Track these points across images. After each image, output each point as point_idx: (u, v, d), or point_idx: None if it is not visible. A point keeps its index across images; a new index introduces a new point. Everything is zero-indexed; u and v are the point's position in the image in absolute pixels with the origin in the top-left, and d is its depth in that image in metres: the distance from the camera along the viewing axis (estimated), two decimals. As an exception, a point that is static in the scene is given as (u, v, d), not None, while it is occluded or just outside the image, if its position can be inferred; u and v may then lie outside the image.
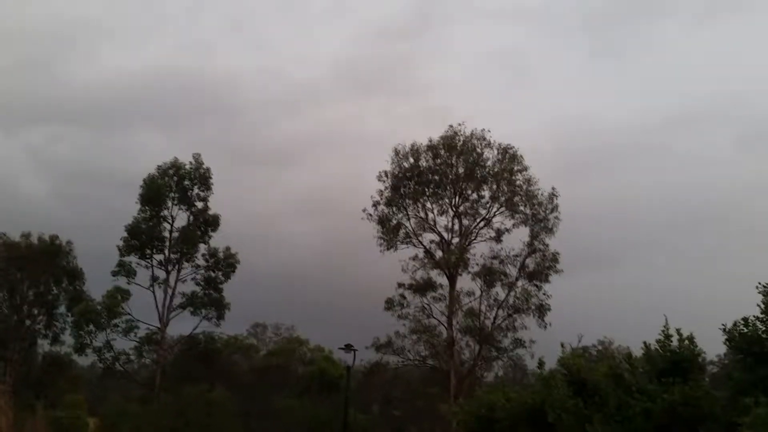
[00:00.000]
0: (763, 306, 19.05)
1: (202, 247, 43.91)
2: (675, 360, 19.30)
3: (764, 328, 19.02)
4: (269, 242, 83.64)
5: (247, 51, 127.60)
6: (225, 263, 43.69)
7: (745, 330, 18.97)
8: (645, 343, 20.15)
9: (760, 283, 19.11)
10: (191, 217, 43.88)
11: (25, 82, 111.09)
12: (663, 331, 19.66)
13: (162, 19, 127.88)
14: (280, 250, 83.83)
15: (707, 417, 18.40)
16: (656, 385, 19.18)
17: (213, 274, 43.68)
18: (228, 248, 43.94)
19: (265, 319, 69.05)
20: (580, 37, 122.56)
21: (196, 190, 43.99)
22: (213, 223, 43.96)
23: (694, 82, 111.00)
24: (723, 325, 19.01)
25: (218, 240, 44.31)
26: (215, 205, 44.53)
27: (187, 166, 43.85)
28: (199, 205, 44.04)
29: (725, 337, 18.81)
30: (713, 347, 22.25)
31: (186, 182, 43.78)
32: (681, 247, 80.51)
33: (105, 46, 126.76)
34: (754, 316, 19.11)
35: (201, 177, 43.96)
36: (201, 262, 43.82)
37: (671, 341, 19.58)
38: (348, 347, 39.33)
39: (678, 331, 19.58)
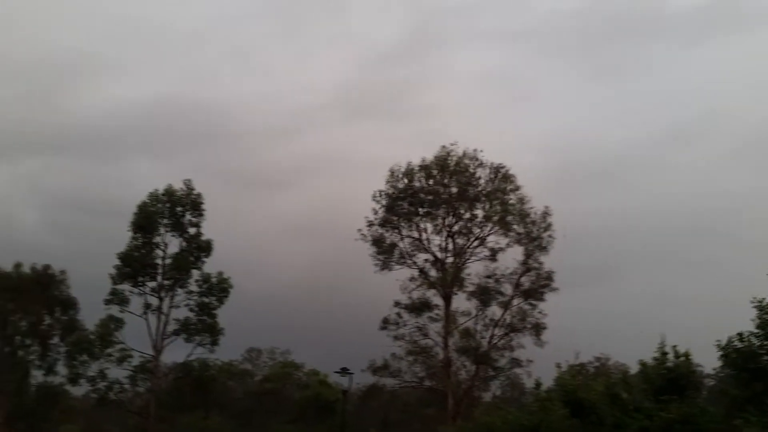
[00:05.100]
0: (757, 320, 19.03)
1: (195, 273, 43.50)
2: (671, 377, 19.23)
3: (759, 344, 18.98)
4: (263, 266, 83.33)
5: (244, 78, 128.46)
6: (218, 288, 43.25)
7: (740, 345, 18.93)
8: (641, 361, 20.08)
9: (755, 298, 19.11)
10: (184, 243, 43.62)
11: (21, 112, 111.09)
12: (659, 348, 19.60)
13: (162, 48, 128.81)
14: (274, 274, 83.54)
15: (704, 435, 18.30)
16: (653, 403, 19.08)
17: (206, 300, 43.24)
18: (221, 273, 43.59)
19: (260, 344, 68.68)
20: (576, 57, 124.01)
21: (188, 216, 43.76)
22: (206, 248, 43.66)
23: (686, 99, 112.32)
24: (718, 341, 18.97)
25: (211, 265, 44.02)
26: (208, 231, 44.35)
27: (179, 193, 43.68)
28: (192, 231, 43.81)
29: (720, 353, 18.76)
30: (711, 360, 22.14)
31: (178, 208, 43.58)
32: (678, 259, 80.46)
33: (104, 76, 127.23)
34: (749, 331, 19.07)
35: (193, 203, 43.74)
36: (194, 287, 43.32)
37: (667, 358, 19.50)
38: (344, 371, 38.94)
39: (674, 348, 19.51)
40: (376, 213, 42.36)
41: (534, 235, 40.76)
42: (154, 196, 43.40)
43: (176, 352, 43.47)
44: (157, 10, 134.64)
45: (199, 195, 43.94)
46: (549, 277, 40.37)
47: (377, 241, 42.25)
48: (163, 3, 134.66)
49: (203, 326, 42.82)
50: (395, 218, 42.31)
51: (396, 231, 42.47)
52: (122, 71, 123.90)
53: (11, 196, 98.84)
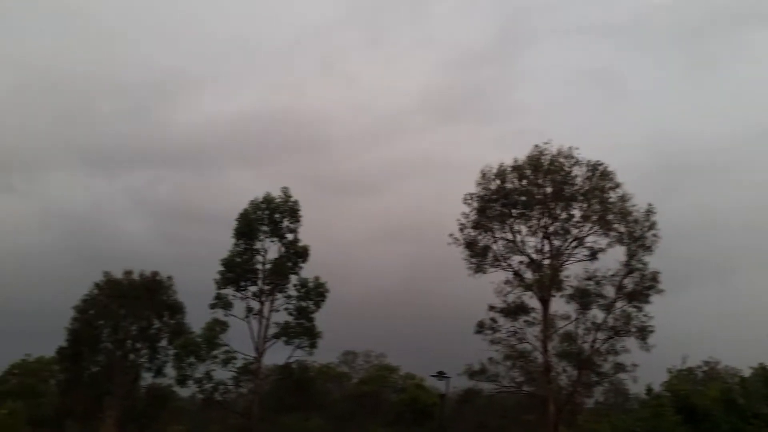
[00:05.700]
0: None
1: (293, 278, 44.57)
2: (796, 383, 17.94)
3: None
4: (358, 270, 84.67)
5: (333, 86, 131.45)
6: (315, 293, 44.15)
7: None
8: (761, 364, 18.88)
9: None
10: (282, 249, 44.77)
11: (127, 128, 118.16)
12: (780, 351, 18.36)
13: (255, 63, 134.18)
14: (368, 278, 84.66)
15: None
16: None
17: (304, 304, 44.20)
18: (317, 278, 44.48)
19: (355, 347, 69.55)
20: (672, 51, 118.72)
21: (286, 223, 44.92)
22: (303, 254, 44.66)
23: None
24: None
25: (308, 270, 45.00)
26: (304, 236, 45.39)
27: (277, 200, 44.92)
28: (289, 236, 44.91)
29: None
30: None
31: (276, 215, 44.81)
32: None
33: (203, 92, 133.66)
34: None
35: (290, 210, 44.88)
36: (292, 292, 44.39)
37: (790, 362, 18.24)
38: (440, 374, 38.88)
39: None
40: (467, 216, 41.97)
41: (637, 235, 39.14)
42: (254, 204, 44.84)
43: (277, 355, 44.69)
44: (248, 27, 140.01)
45: (296, 202, 45.10)
46: (654, 278, 38.56)
47: (470, 245, 41.71)
48: (254, 21, 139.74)
49: (302, 329, 43.74)
50: (487, 220, 41.70)
51: (489, 233, 41.85)
52: (218, 86, 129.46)
53: (120, 208, 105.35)
